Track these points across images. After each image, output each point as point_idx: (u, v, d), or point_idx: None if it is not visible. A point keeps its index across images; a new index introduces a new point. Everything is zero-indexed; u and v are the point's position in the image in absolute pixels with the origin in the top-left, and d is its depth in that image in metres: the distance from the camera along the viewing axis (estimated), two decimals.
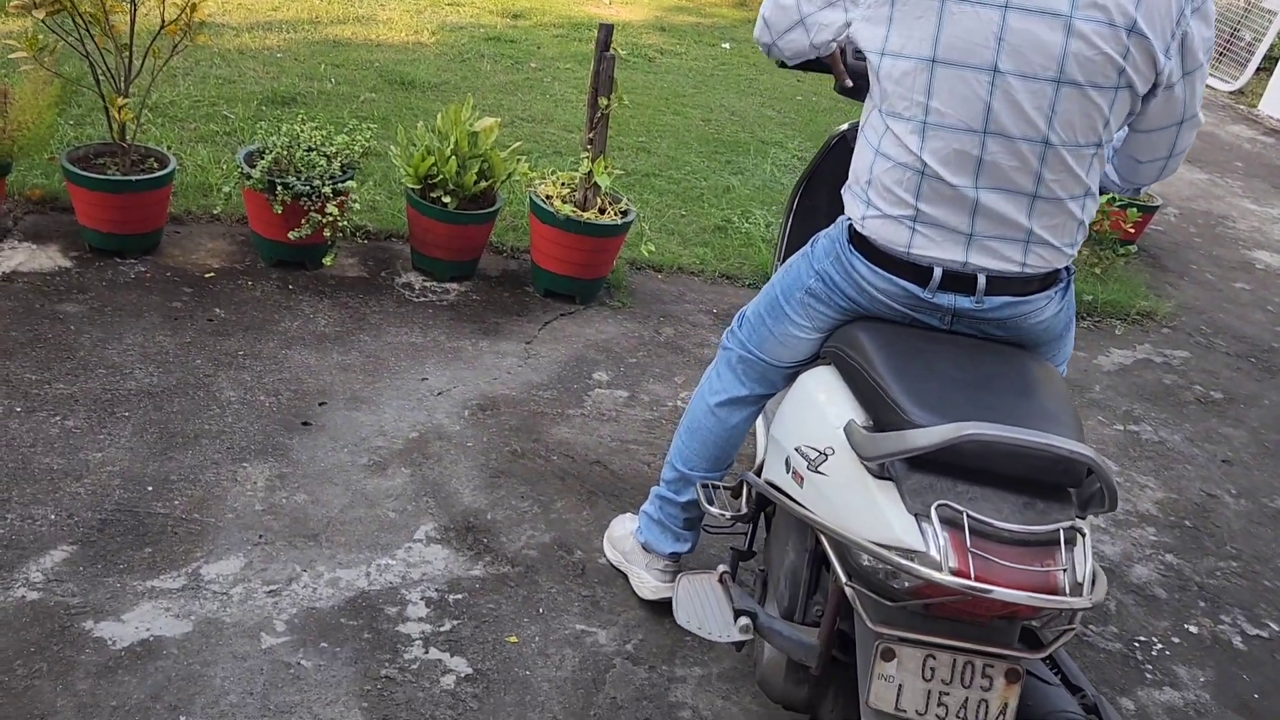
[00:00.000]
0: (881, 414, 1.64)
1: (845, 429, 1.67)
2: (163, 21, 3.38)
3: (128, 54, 3.37)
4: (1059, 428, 1.53)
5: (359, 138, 3.67)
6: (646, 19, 8.54)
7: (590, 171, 3.70)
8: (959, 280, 1.78)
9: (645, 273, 4.24)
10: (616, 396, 3.35)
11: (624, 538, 2.57)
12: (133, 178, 3.40)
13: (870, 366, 1.72)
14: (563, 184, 3.85)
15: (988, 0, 1.60)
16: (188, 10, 3.39)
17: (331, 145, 3.61)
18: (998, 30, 1.60)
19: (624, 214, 3.81)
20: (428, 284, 3.79)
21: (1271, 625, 2.88)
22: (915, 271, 1.79)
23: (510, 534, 2.65)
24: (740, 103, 6.74)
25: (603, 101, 3.63)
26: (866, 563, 1.57)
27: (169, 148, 4.23)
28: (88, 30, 3.24)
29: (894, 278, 1.81)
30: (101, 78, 3.37)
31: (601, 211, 3.76)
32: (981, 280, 1.77)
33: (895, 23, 1.69)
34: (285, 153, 3.49)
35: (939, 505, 1.45)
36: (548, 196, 3.76)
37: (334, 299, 3.56)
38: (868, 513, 1.57)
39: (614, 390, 3.38)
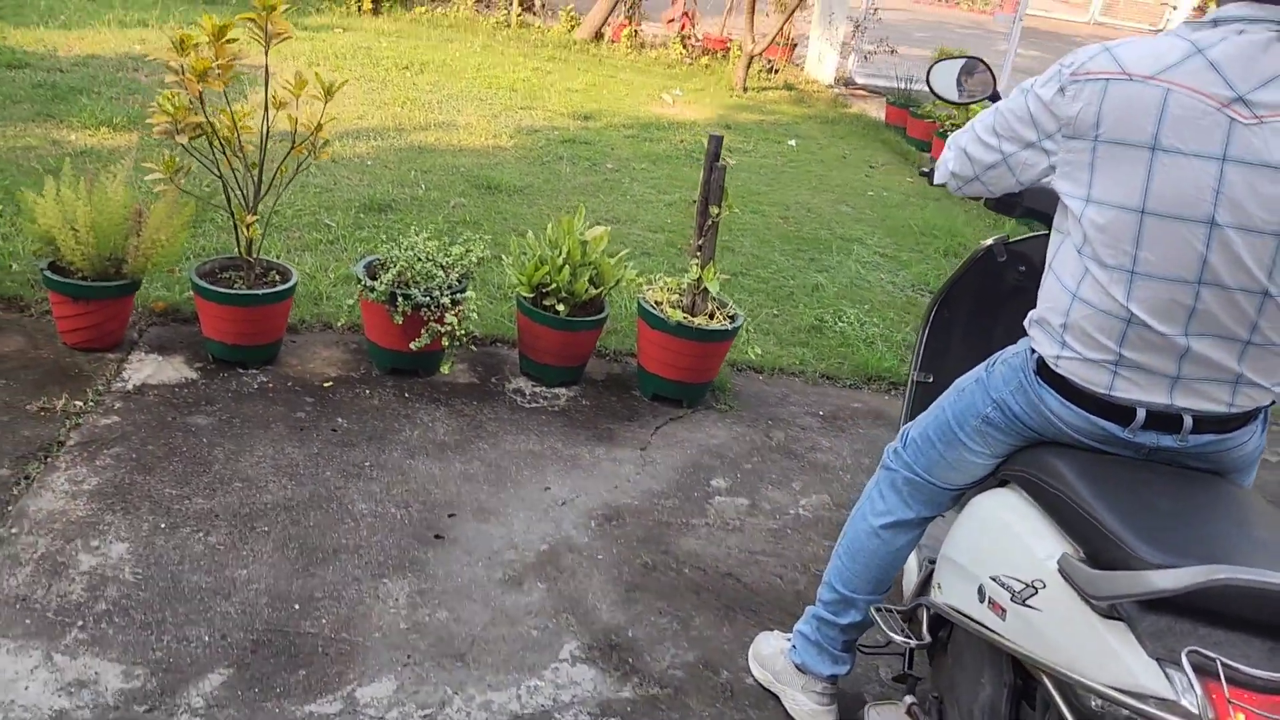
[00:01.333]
0: (1099, 548, 1.60)
1: (1061, 563, 1.63)
2: (293, 142, 3.50)
3: (257, 171, 3.48)
4: None
5: (473, 249, 3.74)
6: (711, 117, 8.72)
7: (700, 277, 3.73)
8: (1163, 420, 1.75)
9: (747, 374, 4.24)
10: (738, 505, 3.32)
11: (773, 657, 2.51)
12: (258, 291, 3.48)
13: (1077, 496, 1.69)
14: (670, 289, 3.88)
15: (1203, 152, 1.60)
16: (314, 131, 3.49)
17: (447, 256, 3.68)
18: (1215, 183, 1.60)
19: (732, 319, 3.83)
20: (537, 389, 3.81)
21: None
22: (1116, 411, 1.77)
23: (653, 652, 2.60)
24: (814, 199, 6.81)
25: (714, 210, 3.68)
26: (1096, 705, 1.52)
27: (277, 257, 4.35)
28: (222, 151, 3.35)
29: (1092, 416, 1.78)
30: (231, 195, 3.47)
31: (710, 316, 3.79)
32: (1187, 420, 1.74)
33: (1099, 169, 1.69)
34: (407, 265, 3.55)
35: (1190, 652, 1.40)
36: (657, 302, 3.79)
37: (450, 406, 3.59)
38: (1097, 653, 1.52)
39: (734, 498, 3.35)
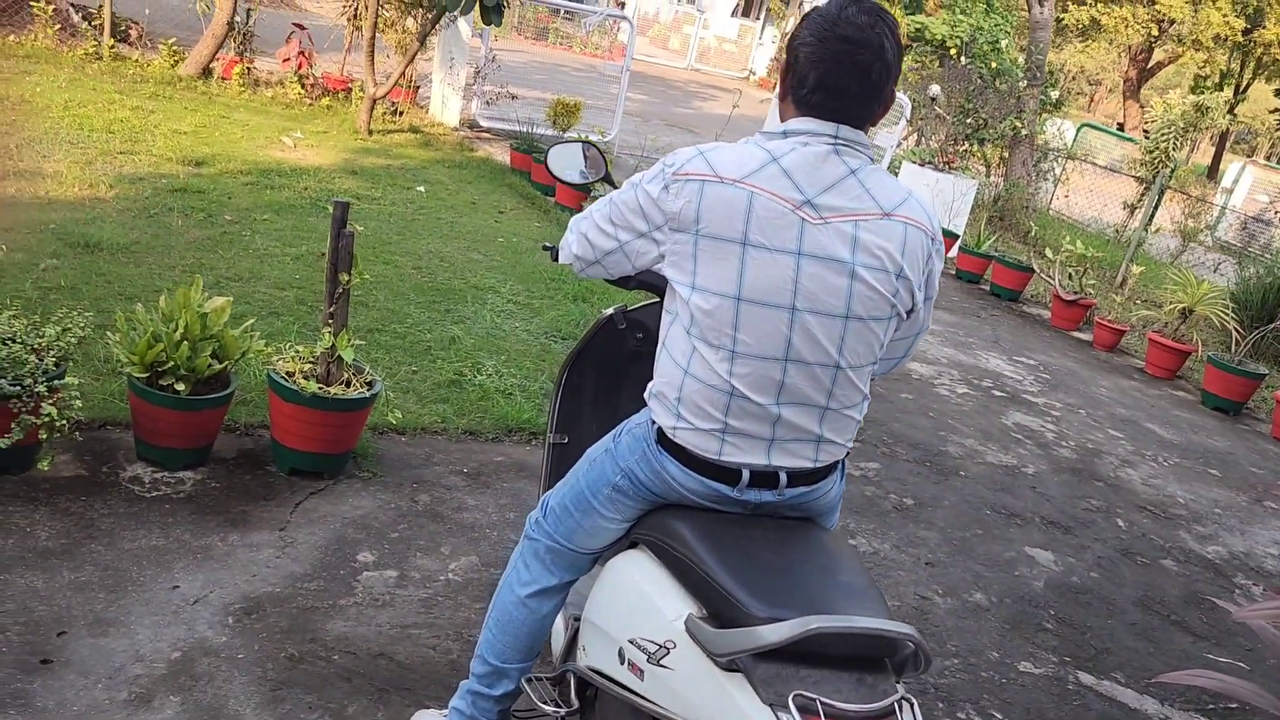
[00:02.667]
0: (719, 607, 1.80)
1: (687, 625, 1.80)
2: None
3: None
4: (875, 605, 1.77)
5: (72, 328, 3.39)
6: (335, 162, 8.51)
7: (333, 345, 3.65)
8: (763, 478, 2.00)
9: (389, 437, 4.20)
10: (386, 578, 3.28)
11: None
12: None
13: (695, 556, 1.88)
14: (302, 358, 3.76)
15: (783, 248, 1.87)
16: None
17: (40, 338, 3.30)
18: (793, 274, 1.87)
19: (370, 385, 3.78)
20: (159, 475, 3.53)
21: (996, 715, 3.33)
22: (725, 473, 1.99)
23: None
24: (446, 247, 6.87)
25: (344, 278, 3.62)
26: None
27: None
28: None
29: (705, 479, 2.00)
30: None
31: (347, 384, 3.71)
32: (783, 477, 2.00)
33: (701, 260, 1.91)
34: None
35: (795, 696, 1.61)
36: (289, 373, 3.66)
37: (53, 505, 3.22)
38: (721, 705, 1.70)
39: (383, 571, 3.31)
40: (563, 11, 24.02)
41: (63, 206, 5.81)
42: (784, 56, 2.01)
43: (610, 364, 2.87)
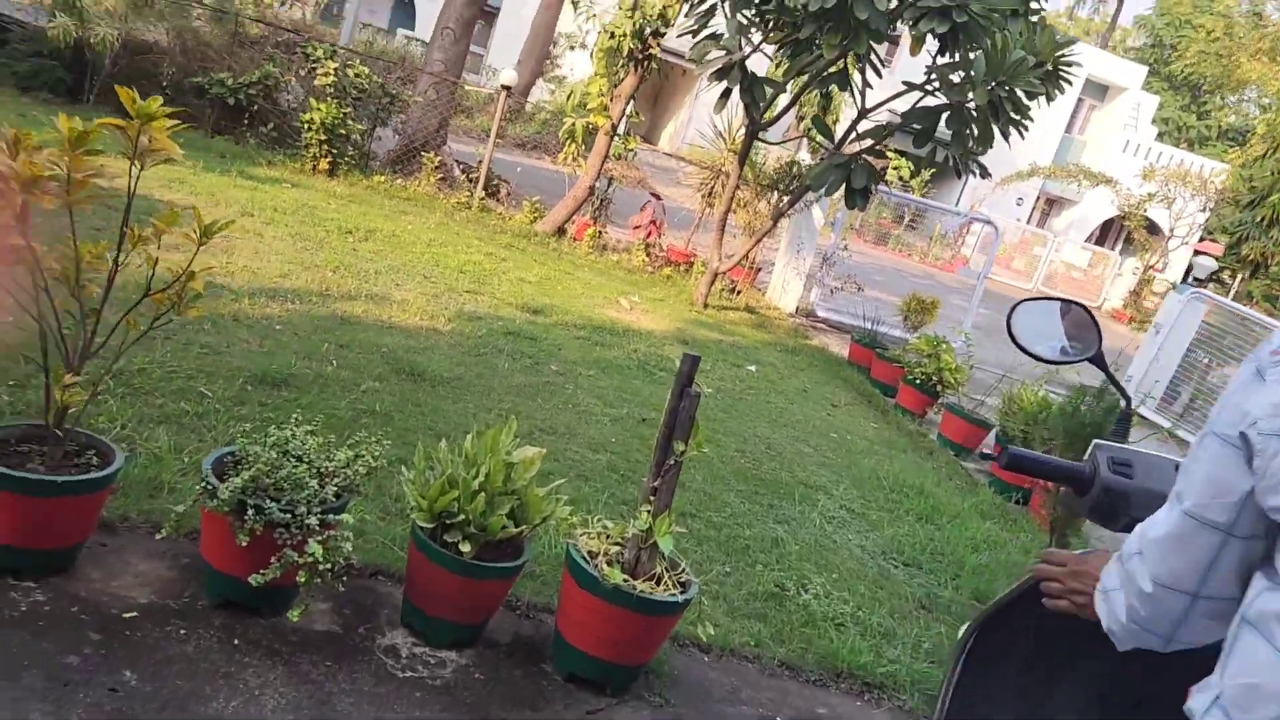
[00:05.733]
0: None
1: None
2: (148, 288, 2.69)
3: (93, 322, 2.64)
4: None
5: (365, 455, 2.89)
6: (668, 330, 8.15)
7: (650, 528, 2.91)
8: None
9: (690, 652, 3.35)
10: None
11: None
12: (59, 477, 2.56)
13: None
14: (609, 537, 3.04)
15: None
16: (183, 280, 2.70)
17: (329, 460, 2.82)
18: None
19: (684, 585, 2.98)
20: (419, 649, 2.87)
21: None
22: None
23: None
24: (774, 434, 6.12)
25: (678, 446, 2.90)
26: None
27: (122, 427, 3.45)
28: (46, 290, 2.53)
29: None
30: (53, 345, 2.62)
31: (657, 580, 2.93)
32: None
33: None
34: (267, 469, 2.68)
35: None
36: (591, 554, 2.94)
37: (292, 666, 2.63)
38: None
39: None
40: (907, 219, 23.62)
41: (400, 333, 5.68)
42: None
43: (1048, 640, 1.89)
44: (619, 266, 10.26)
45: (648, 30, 9.81)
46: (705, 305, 9.51)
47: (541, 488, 3.02)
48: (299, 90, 10.43)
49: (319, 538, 2.63)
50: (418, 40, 22.79)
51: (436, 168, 10.71)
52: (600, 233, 10.75)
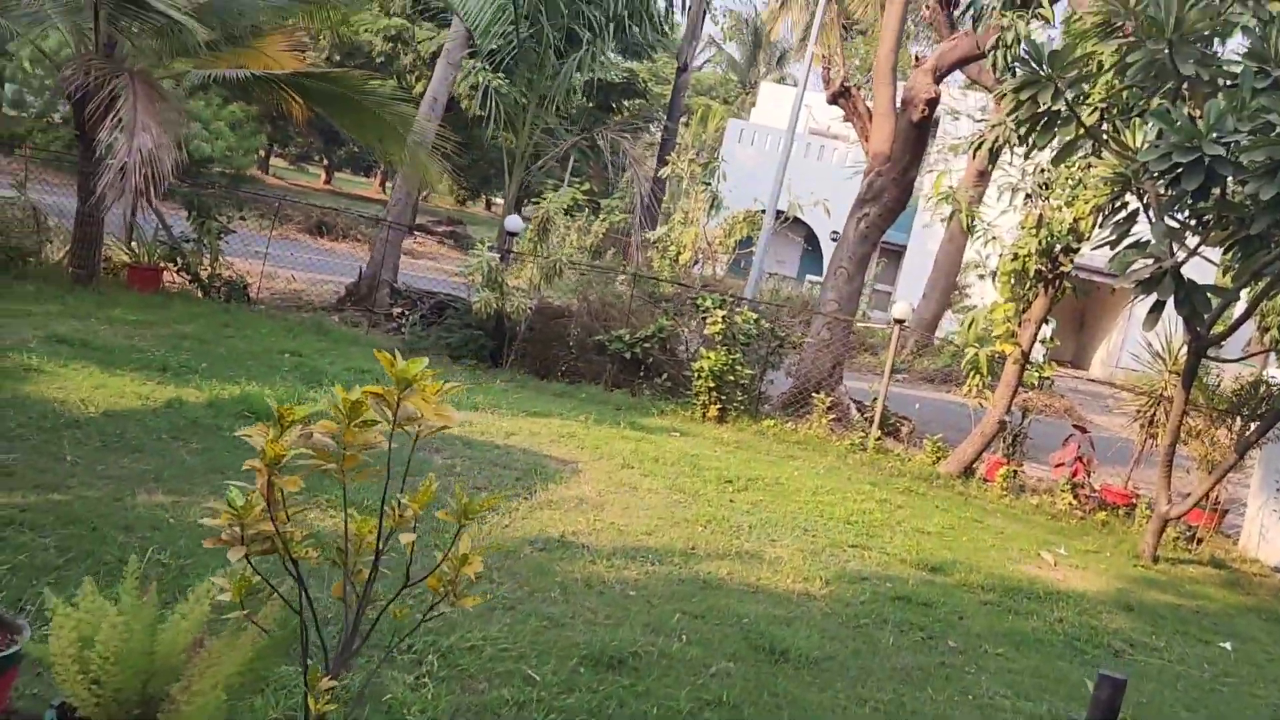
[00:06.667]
0: None
1: None
2: (406, 577, 2.33)
3: (354, 614, 2.32)
4: None
5: None
6: (1106, 591, 6.67)
7: None
8: None
9: None
10: None
11: None
12: None
13: None
14: None
15: None
16: (455, 562, 2.31)
17: None
18: None
19: None
20: None
21: None
22: None
23: None
24: None
25: None
26: None
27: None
28: (302, 583, 2.24)
29: None
30: (313, 644, 2.31)
31: None
32: None
33: None
34: None
35: None
36: None
37: None
38: None
39: None
40: None
41: (766, 598, 5.02)
42: None
43: None
44: (1039, 511, 8.88)
45: (1057, 247, 8.85)
46: (1155, 559, 7.81)
47: None
48: (694, 340, 10.65)
49: None
50: (820, 284, 23.28)
51: (829, 408, 10.24)
52: (1015, 472, 9.48)
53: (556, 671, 3.68)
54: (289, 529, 2.20)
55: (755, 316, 10.21)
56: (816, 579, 5.50)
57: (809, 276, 26.79)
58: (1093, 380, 14.39)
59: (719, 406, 9.68)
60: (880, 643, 4.75)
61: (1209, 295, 7.19)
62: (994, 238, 10.07)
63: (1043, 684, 4.66)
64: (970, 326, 9.77)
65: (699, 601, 4.74)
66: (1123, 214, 7.49)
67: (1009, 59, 8.41)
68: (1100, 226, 8.03)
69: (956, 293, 21.07)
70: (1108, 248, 7.57)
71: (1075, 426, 9.91)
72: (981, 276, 20.18)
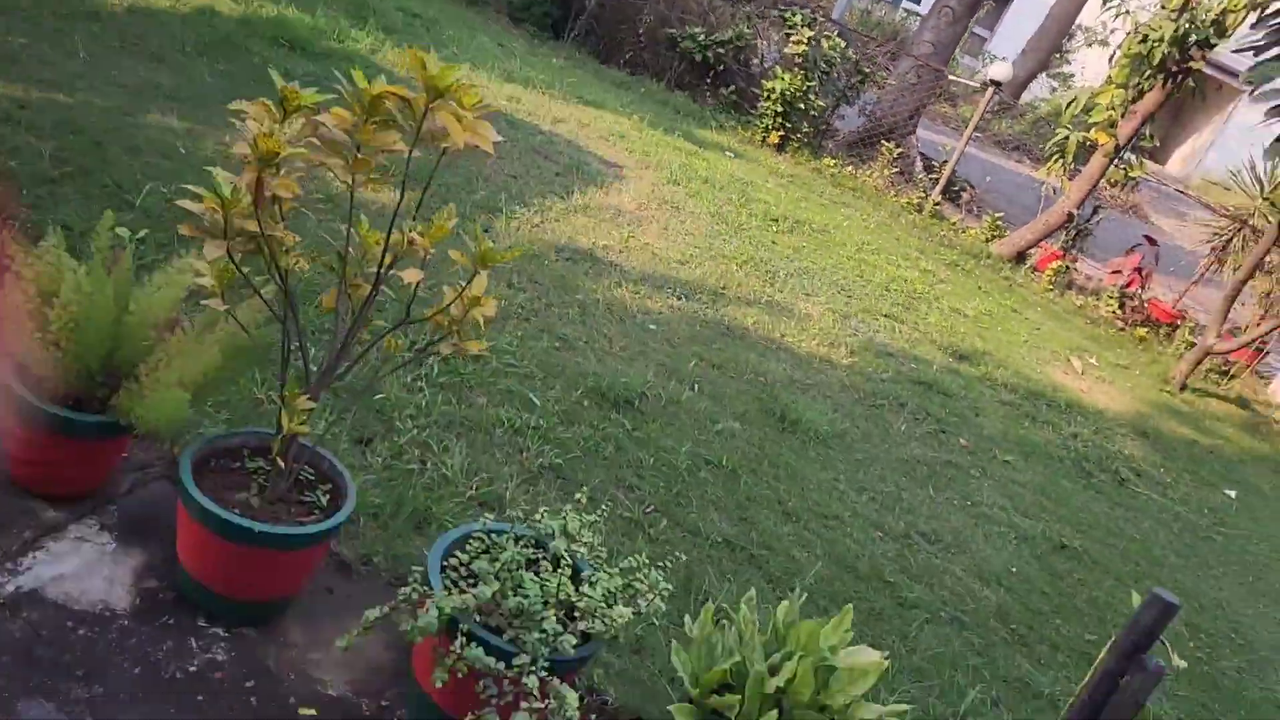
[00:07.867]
0: None
1: None
2: (407, 311, 2.05)
3: (345, 330, 2.06)
4: None
5: (643, 589, 2.08)
6: (1126, 412, 6.50)
7: None
8: None
9: None
10: None
11: None
12: (257, 526, 2.01)
13: None
14: None
15: None
16: (462, 302, 2.02)
17: (596, 578, 2.04)
18: None
19: None
20: None
21: None
22: None
23: None
24: (1245, 607, 4.48)
25: None
26: None
27: (419, 432, 2.93)
28: (286, 288, 1.96)
29: None
30: (291, 355, 2.07)
31: None
32: None
33: None
34: (509, 575, 1.96)
35: None
36: None
37: None
38: None
39: None
40: None
41: (788, 358, 4.82)
42: None
43: None
44: (1081, 313, 8.56)
45: (1193, 38, 7.88)
46: (1183, 387, 7.59)
47: (874, 708, 2.02)
48: (770, 56, 9.82)
49: (535, 701, 1.86)
50: (918, 16, 21.41)
51: (895, 159, 9.62)
52: (1068, 268, 9.06)
53: (560, 401, 3.51)
54: (279, 233, 1.88)
55: (843, 44, 9.33)
56: (843, 346, 5.28)
57: (905, 4, 24.69)
58: (1163, 185, 13.44)
59: (781, 134, 9.07)
60: (892, 429, 4.60)
61: None
62: (1126, 11, 8.98)
63: (1043, 503, 4.57)
64: (1070, 105, 8.94)
65: (719, 350, 4.54)
66: None
67: None
68: (1253, 26, 7.08)
69: (1058, 55, 19.42)
70: (1252, 54, 6.71)
71: (1146, 237, 9.35)
72: (1090, 44, 18.53)
